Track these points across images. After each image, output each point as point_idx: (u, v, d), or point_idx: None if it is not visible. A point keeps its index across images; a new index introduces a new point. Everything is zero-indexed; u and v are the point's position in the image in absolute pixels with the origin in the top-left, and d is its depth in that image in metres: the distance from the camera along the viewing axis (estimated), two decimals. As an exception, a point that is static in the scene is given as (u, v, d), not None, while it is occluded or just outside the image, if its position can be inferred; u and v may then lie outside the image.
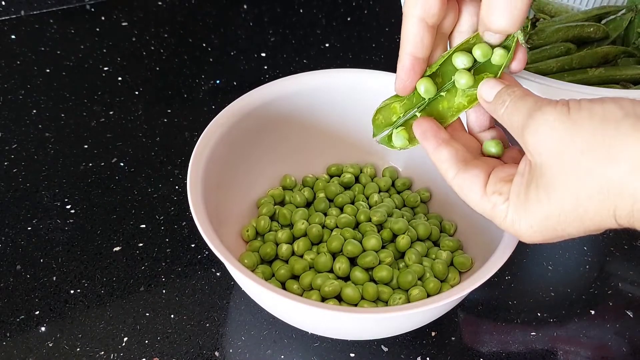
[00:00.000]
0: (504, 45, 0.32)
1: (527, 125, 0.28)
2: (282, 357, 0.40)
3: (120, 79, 0.61)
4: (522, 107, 0.29)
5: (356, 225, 0.43)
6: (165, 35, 0.67)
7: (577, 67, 0.50)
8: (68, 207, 0.49)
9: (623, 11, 0.54)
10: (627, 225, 0.26)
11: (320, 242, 0.42)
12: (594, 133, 0.25)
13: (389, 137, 0.36)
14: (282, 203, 0.46)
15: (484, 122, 0.35)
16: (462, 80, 0.33)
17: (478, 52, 0.33)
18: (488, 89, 0.32)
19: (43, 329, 0.41)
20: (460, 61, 0.33)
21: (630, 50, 0.52)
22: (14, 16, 0.67)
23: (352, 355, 0.40)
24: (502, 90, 0.31)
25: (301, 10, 0.72)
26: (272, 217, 0.44)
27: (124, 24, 0.68)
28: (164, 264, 0.45)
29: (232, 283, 0.44)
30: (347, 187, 0.47)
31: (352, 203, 0.46)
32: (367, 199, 0.46)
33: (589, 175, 0.26)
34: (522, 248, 0.47)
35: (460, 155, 0.32)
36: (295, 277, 0.41)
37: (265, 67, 0.64)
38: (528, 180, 0.29)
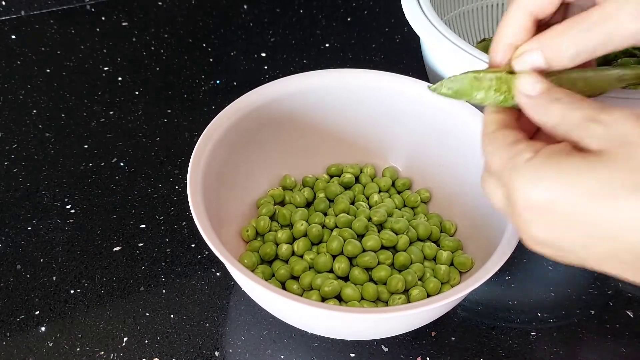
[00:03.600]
0: None
1: (598, 117, 0.25)
2: (282, 357, 0.40)
3: (120, 79, 0.61)
4: (584, 103, 0.26)
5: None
6: (165, 36, 0.67)
7: (577, 67, 0.50)
8: (68, 207, 0.49)
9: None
10: None
11: (320, 242, 0.42)
12: None
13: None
14: (282, 203, 0.46)
15: None
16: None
17: None
18: (532, 82, 0.28)
19: (43, 329, 0.41)
20: None
21: (630, 50, 0.52)
22: (14, 16, 0.67)
23: (352, 355, 0.40)
24: (551, 89, 0.28)
25: (301, 10, 0.72)
26: (272, 217, 0.44)
27: (124, 24, 0.68)
28: (164, 264, 0.45)
29: (232, 283, 0.44)
30: (347, 187, 0.47)
31: (352, 203, 0.46)
32: (367, 199, 0.46)
33: None
34: (522, 248, 0.47)
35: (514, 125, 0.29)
36: (295, 277, 0.41)
37: (265, 67, 0.64)
38: (572, 151, 0.25)
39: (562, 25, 0.28)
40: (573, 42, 0.28)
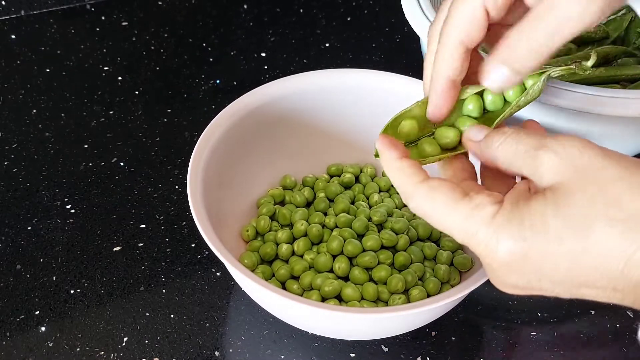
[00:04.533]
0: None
1: (543, 146, 0.26)
2: (282, 357, 0.40)
3: (120, 79, 0.61)
4: (531, 134, 0.27)
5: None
6: (165, 35, 0.67)
7: (577, 67, 0.50)
8: (68, 207, 0.49)
9: (623, 11, 0.54)
10: (628, 288, 0.24)
11: (320, 242, 0.42)
12: (627, 165, 0.24)
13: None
14: (282, 203, 0.46)
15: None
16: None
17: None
18: (477, 130, 0.30)
19: (43, 329, 0.41)
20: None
21: (630, 50, 0.52)
22: (14, 16, 0.67)
23: (352, 355, 0.40)
24: (496, 129, 0.29)
25: (301, 10, 0.72)
26: (272, 217, 0.44)
27: (124, 24, 0.68)
28: (164, 264, 0.45)
29: (232, 283, 0.44)
30: (347, 187, 0.47)
31: (352, 203, 0.46)
32: (367, 199, 0.46)
33: (615, 203, 0.23)
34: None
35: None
36: (295, 277, 0.41)
37: (265, 67, 0.64)
38: (531, 193, 0.26)
39: (512, 33, 0.28)
40: (527, 45, 0.28)
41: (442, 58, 0.31)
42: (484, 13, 0.29)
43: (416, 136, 0.33)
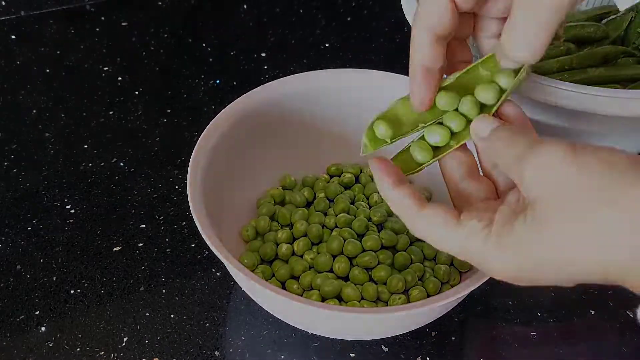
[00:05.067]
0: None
1: (525, 156, 0.26)
2: (282, 357, 0.40)
3: (120, 79, 0.61)
4: (520, 140, 0.28)
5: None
6: (165, 35, 0.67)
7: (577, 67, 0.50)
8: (68, 207, 0.49)
9: (623, 11, 0.54)
10: (618, 281, 0.25)
11: (320, 242, 0.42)
12: (601, 175, 0.24)
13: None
14: (282, 203, 0.46)
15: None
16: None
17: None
18: (484, 125, 0.30)
19: (43, 329, 0.41)
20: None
21: (630, 50, 0.52)
22: (14, 16, 0.67)
23: (352, 355, 0.40)
24: (498, 127, 0.30)
25: (301, 10, 0.72)
26: (272, 217, 0.44)
27: (124, 24, 0.68)
28: (164, 264, 0.45)
29: (232, 283, 0.44)
30: (347, 187, 0.47)
31: (352, 203, 0.46)
32: (367, 199, 0.46)
33: (588, 215, 0.24)
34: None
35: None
36: (295, 277, 0.41)
37: (265, 67, 0.64)
38: (517, 211, 0.27)
39: (510, 23, 0.29)
40: (529, 31, 0.29)
41: (414, 46, 0.32)
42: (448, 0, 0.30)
43: (393, 136, 0.33)
